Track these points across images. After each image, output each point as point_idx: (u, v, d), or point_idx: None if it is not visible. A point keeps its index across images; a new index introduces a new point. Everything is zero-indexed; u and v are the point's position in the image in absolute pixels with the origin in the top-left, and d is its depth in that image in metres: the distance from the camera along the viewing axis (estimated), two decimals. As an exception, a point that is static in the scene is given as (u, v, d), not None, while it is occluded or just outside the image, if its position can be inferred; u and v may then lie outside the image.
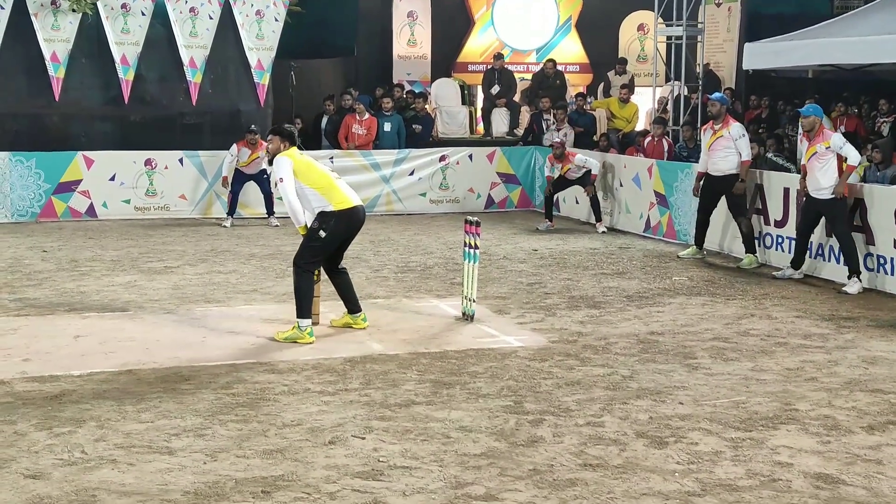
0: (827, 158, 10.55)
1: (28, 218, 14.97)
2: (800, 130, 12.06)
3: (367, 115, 16.61)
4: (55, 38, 15.66)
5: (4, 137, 15.44)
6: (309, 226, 8.28)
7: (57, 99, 15.78)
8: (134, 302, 9.65)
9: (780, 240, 11.75)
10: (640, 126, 18.14)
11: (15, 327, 8.53)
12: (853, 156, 10.52)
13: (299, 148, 8.66)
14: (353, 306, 8.65)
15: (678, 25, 16.76)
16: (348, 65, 20.12)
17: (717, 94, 12.63)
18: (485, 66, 19.95)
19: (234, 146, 14.83)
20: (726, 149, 11.87)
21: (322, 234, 8.21)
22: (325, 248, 8.32)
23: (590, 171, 14.68)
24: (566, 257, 12.47)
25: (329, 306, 8.94)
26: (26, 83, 15.79)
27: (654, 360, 7.72)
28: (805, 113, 10.88)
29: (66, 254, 12.31)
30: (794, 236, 11.13)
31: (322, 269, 8.57)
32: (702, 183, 12.19)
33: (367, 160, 16.28)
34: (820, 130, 10.75)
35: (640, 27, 20.97)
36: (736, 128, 11.96)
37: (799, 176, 11.14)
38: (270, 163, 8.65)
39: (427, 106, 18.36)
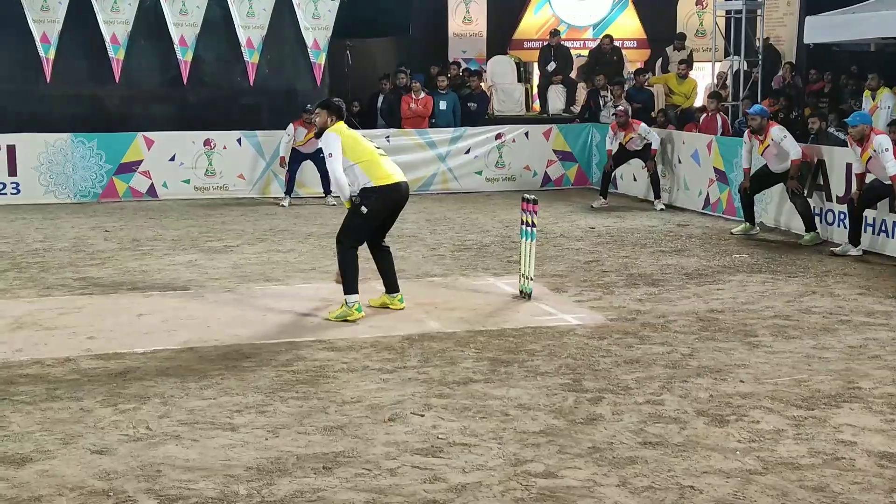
0: (885, 156, 10.56)
1: (90, 198, 15.19)
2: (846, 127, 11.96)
3: (422, 94, 16.61)
4: (115, 21, 15.87)
5: (66, 119, 15.66)
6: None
7: (117, 81, 16.01)
8: (195, 281, 9.76)
9: (842, 216, 11.58)
10: (699, 102, 17.96)
11: (79, 306, 8.67)
12: (891, 166, 10.52)
13: (348, 124, 8.67)
14: (391, 286, 8.61)
15: (737, -1, 16.53)
16: (403, 43, 20.13)
17: (756, 107, 12.52)
18: (541, 42, 19.84)
19: (291, 126, 14.90)
20: (777, 155, 11.94)
21: (364, 209, 8.18)
22: (368, 224, 8.28)
23: (650, 144, 14.60)
24: (624, 235, 12.40)
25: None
26: (87, 65, 16.03)
27: (714, 338, 7.66)
28: (852, 123, 10.91)
29: (128, 233, 12.49)
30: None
31: (366, 244, 8.54)
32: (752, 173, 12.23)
33: (422, 139, 16.29)
34: (868, 135, 10.74)
35: (699, 1, 20.69)
36: (775, 131, 11.95)
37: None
38: (318, 136, 8.66)
39: (482, 84, 18.32)
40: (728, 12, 17.15)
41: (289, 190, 15.16)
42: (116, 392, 6.34)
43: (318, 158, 15.01)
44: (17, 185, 14.99)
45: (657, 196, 14.70)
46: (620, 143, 14.81)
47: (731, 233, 12.40)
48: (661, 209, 14.46)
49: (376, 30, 19.46)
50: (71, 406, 6.08)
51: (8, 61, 15.71)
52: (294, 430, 5.66)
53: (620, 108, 15.20)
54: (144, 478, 5.00)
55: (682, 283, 9.62)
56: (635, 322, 8.13)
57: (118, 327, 7.95)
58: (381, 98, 17.36)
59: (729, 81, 17.30)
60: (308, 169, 15.26)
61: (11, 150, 14.93)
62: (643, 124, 14.79)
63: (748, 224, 12.39)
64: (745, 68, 16.93)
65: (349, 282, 8.21)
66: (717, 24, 17.32)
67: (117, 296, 9.12)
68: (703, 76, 18.64)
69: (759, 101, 15.05)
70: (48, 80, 15.76)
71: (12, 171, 14.97)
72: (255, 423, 5.77)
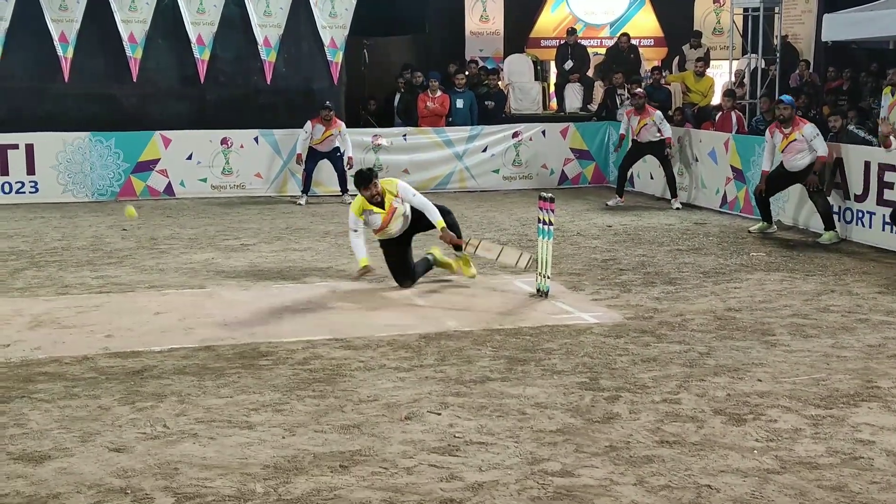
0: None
1: (108, 197, 15.24)
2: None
3: (439, 92, 16.60)
4: (132, 20, 15.90)
5: (84, 118, 15.70)
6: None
7: (135, 79, 16.03)
8: (212, 279, 9.78)
9: (860, 214, 11.53)
10: (717, 100, 17.89)
11: (97, 304, 8.70)
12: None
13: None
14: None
15: (755, -4, 16.42)
16: (420, 42, 20.11)
17: (787, 97, 12.49)
18: (558, 41, 19.80)
19: (309, 123, 14.92)
20: (800, 151, 11.86)
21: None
22: None
23: (663, 139, 14.55)
24: (641, 233, 12.37)
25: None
26: (104, 64, 16.06)
27: (732, 336, 7.64)
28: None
29: (146, 232, 12.52)
30: (875, 210, 11.02)
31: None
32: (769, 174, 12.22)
33: (440, 137, 16.29)
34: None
35: (716, -1, 20.63)
36: (809, 129, 11.89)
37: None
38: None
39: (499, 82, 18.30)
40: (745, 10, 17.04)
41: (306, 188, 15.18)
42: (134, 390, 6.36)
43: (335, 157, 15.05)
44: (36, 183, 15.06)
45: (674, 195, 14.66)
46: (634, 140, 14.76)
47: (749, 231, 12.36)
48: (678, 208, 14.42)
49: (393, 28, 19.46)
50: (89, 404, 6.10)
51: (26, 60, 15.75)
52: (311, 429, 5.67)
53: (639, 90, 15.17)
54: (162, 476, 5.01)
55: (699, 281, 9.59)
56: (652, 320, 8.11)
57: (136, 326, 7.97)
58: (397, 97, 17.36)
59: (746, 79, 17.22)
60: (325, 167, 15.28)
61: (30, 149, 15.00)
62: (658, 112, 14.76)
63: (766, 223, 12.35)
64: (763, 66, 16.85)
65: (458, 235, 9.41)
66: (734, 21, 17.25)
67: (135, 294, 9.15)
68: (721, 74, 18.56)
69: (776, 97, 14.96)
70: (66, 79, 15.80)
71: (31, 169, 15.04)
72: (272, 422, 5.78)
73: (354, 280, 9.43)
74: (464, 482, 4.93)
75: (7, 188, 14.98)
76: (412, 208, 9.35)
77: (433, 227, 9.34)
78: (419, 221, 9.41)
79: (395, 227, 9.36)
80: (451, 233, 9.35)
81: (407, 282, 9.34)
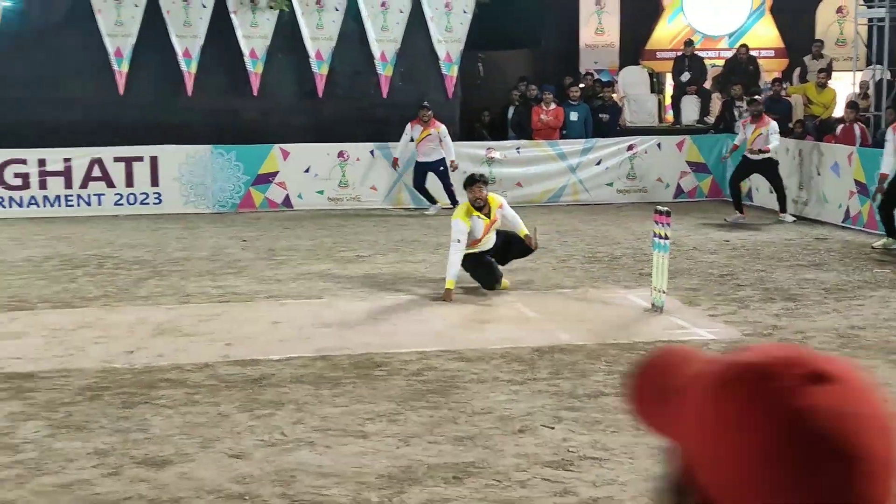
0: None
1: (228, 209, 15.58)
2: None
3: (553, 105, 16.55)
4: (253, 35, 16.24)
5: (206, 131, 16.09)
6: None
7: (255, 94, 16.36)
8: (328, 290, 9.92)
9: None
10: (839, 112, 17.46)
11: (218, 313, 8.90)
12: None
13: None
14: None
15: (881, 7, 16.00)
16: (535, 55, 20.10)
17: None
18: (674, 52, 19.57)
19: (409, 125, 15.13)
20: None
21: None
22: None
23: (771, 159, 14.29)
24: (759, 248, 12.13)
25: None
26: (226, 79, 16.43)
27: (855, 355, 7.42)
28: None
29: (264, 243, 12.76)
30: None
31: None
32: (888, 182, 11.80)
33: (553, 150, 16.24)
34: None
35: (839, 10, 20.13)
36: None
37: None
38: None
39: (614, 94, 18.17)
40: (871, 20, 16.63)
41: (430, 199, 15.28)
42: (253, 398, 6.48)
43: (440, 172, 15.10)
44: (159, 195, 15.48)
45: (783, 209, 14.33)
46: (745, 155, 14.46)
47: (873, 247, 12.00)
48: (792, 220, 14.12)
49: (508, 42, 19.48)
50: (209, 411, 6.24)
51: (151, 75, 16.22)
52: (424, 440, 5.69)
53: (757, 96, 14.89)
54: (279, 482, 5.10)
55: (820, 298, 9.36)
56: (772, 338, 7.94)
57: (254, 334, 8.12)
58: (511, 109, 17.37)
59: (871, 91, 16.78)
60: (430, 180, 15.32)
61: (154, 162, 15.45)
62: (774, 123, 14.47)
63: (890, 238, 11.98)
64: (889, 77, 16.39)
65: None
66: (858, 32, 16.83)
67: (254, 303, 9.33)
68: (844, 86, 18.12)
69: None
70: (189, 93, 16.21)
71: (154, 181, 15.47)
72: (387, 432, 5.83)
73: (436, 300, 9.33)
74: (578, 497, 4.90)
75: (132, 199, 15.44)
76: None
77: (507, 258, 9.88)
78: (500, 248, 9.75)
79: (489, 241, 9.59)
80: (531, 236, 9.74)
81: (496, 283, 9.51)
